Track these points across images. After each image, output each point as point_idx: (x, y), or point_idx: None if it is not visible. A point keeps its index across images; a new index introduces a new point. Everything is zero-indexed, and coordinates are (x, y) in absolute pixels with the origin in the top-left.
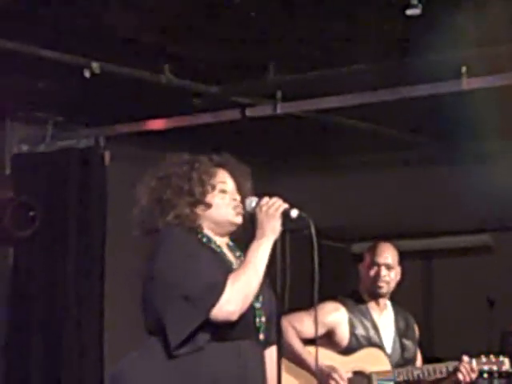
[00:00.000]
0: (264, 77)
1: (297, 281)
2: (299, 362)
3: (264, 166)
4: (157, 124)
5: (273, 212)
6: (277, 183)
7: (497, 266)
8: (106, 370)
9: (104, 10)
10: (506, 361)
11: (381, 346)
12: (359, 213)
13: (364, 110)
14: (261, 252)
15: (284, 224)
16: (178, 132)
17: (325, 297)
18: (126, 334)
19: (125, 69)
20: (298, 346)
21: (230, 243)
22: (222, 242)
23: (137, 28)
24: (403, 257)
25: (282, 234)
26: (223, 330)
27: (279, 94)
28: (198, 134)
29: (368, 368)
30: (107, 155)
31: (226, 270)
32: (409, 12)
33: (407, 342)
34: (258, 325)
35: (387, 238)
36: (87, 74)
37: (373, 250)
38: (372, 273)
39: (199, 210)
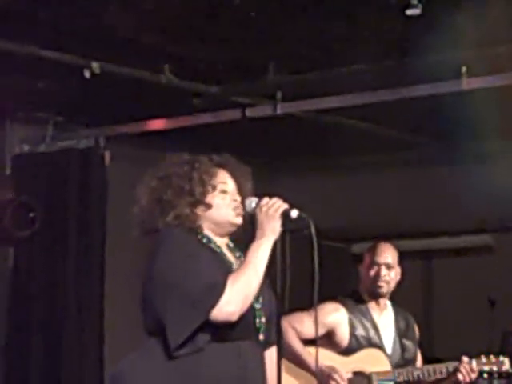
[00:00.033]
0: (264, 77)
1: (297, 281)
2: (299, 362)
3: (264, 166)
4: (157, 124)
5: (273, 212)
6: (277, 183)
7: (497, 266)
8: (106, 370)
9: (104, 10)
10: (506, 361)
11: (381, 347)
12: (359, 213)
13: (364, 110)
14: (261, 252)
15: (284, 224)
16: (178, 132)
17: (325, 297)
18: (126, 334)
19: (125, 69)
20: (298, 346)
21: (230, 244)
22: (222, 243)
23: (137, 28)
24: (403, 257)
25: (282, 234)
26: (223, 331)
27: (279, 95)
28: (198, 134)
29: (368, 368)
30: (107, 155)
31: (226, 270)
32: (409, 12)
33: (407, 343)
34: (257, 325)
35: (387, 238)
36: (87, 74)
37: (373, 250)
38: (372, 272)
39: (199, 210)
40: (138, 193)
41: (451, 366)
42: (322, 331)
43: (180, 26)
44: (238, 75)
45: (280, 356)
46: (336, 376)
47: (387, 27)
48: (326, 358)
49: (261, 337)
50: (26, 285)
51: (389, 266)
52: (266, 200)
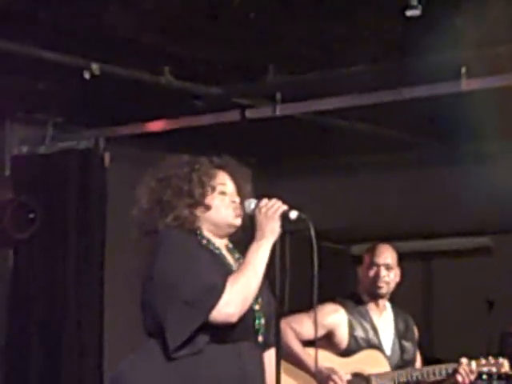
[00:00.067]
0: (264, 78)
1: (296, 282)
2: (298, 363)
3: (263, 167)
4: (157, 125)
5: (272, 213)
6: (276, 185)
7: (496, 268)
8: (105, 371)
9: (104, 11)
10: (505, 362)
11: (380, 348)
12: (359, 214)
13: (364, 110)
14: (260, 254)
15: (283, 225)
16: (178, 133)
17: (324, 298)
18: (126, 334)
19: (125, 70)
20: (297, 347)
21: (230, 245)
22: (222, 244)
23: (137, 28)
24: (403, 258)
25: (282, 235)
26: (222, 332)
27: (278, 96)
28: (197, 136)
29: (367, 370)
30: (107, 156)
31: (226, 271)
32: (408, 13)
33: (406, 344)
34: (257, 327)
35: (387, 239)
36: (87, 75)
37: (372, 251)
38: (371, 273)
39: (198, 211)
40: (138, 194)
41: (450, 367)
42: (321, 332)
43: (180, 26)
44: (238, 76)
45: (279, 357)
46: (335, 377)
47: (387, 27)
48: (326, 359)
49: (260, 338)
50: (26, 285)
51: (388, 267)
52: (265, 201)
